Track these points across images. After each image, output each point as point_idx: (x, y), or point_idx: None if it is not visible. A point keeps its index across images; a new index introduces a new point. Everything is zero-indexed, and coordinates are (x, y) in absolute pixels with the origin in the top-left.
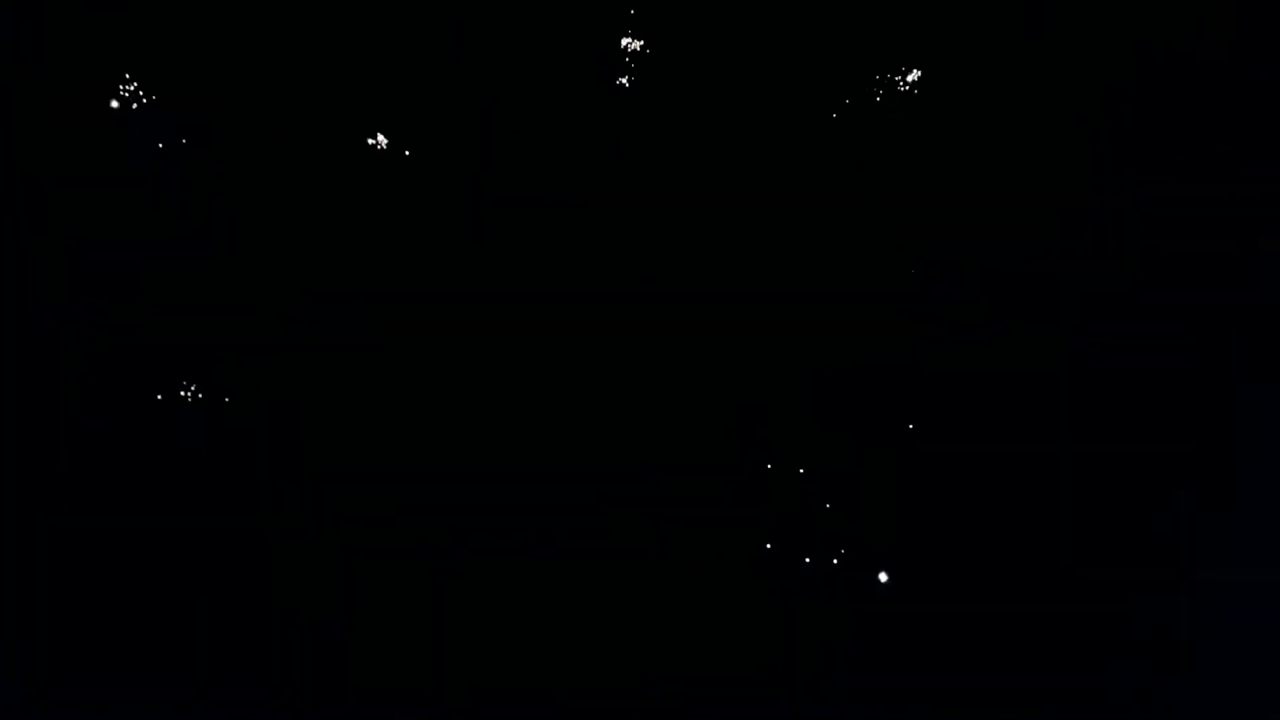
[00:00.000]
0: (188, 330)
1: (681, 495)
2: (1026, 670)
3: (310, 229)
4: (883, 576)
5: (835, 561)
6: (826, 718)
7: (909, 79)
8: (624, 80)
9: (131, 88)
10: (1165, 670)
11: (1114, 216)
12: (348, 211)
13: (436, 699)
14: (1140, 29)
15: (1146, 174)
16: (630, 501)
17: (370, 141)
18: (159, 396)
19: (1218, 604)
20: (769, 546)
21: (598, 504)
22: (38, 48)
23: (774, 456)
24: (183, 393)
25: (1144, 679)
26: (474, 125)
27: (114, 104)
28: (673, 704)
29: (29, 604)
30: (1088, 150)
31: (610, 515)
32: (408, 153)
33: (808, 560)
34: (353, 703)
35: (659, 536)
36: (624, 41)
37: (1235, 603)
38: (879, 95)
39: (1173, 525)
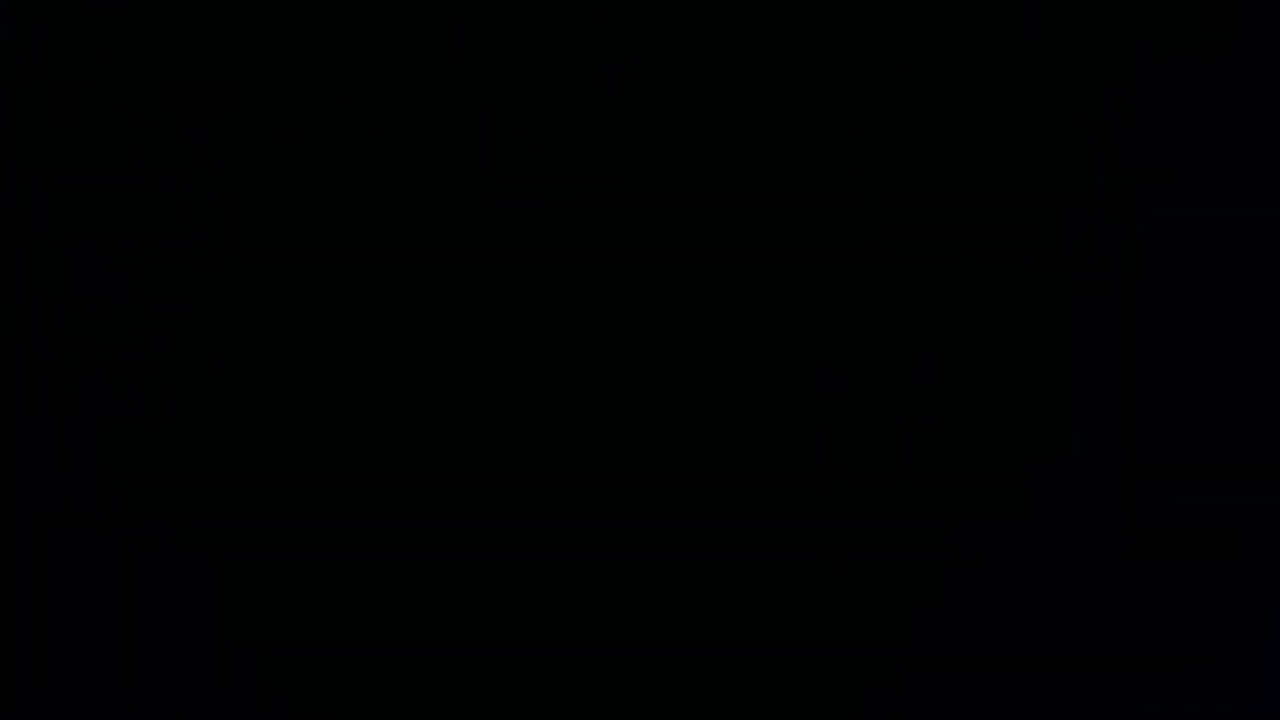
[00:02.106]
0: (187, 330)
1: (682, 497)
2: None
3: (309, 229)
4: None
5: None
6: None
7: (908, 78)
8: (623, 80)
9: (131, 88)
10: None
11: (1114, 216)
12: (347, 211)
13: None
14: (1140, 29)
15: (1146, 174)
16: (630, 504)
17: (369, 141)
18: (157, 396)
19: None
20: (773, 552)
21: (597, 506)
22: (38, 48)
23: (775, 457)
24: (182, 392)
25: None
26: (474, 125)
27: (113, 104)
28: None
29: (28, 604)
30: (1088, 150)
31: (609, 518)
32: (407, 153)
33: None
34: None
35: (659, 540)
36: (623, 41)
37: None
38: (878, 95)
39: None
